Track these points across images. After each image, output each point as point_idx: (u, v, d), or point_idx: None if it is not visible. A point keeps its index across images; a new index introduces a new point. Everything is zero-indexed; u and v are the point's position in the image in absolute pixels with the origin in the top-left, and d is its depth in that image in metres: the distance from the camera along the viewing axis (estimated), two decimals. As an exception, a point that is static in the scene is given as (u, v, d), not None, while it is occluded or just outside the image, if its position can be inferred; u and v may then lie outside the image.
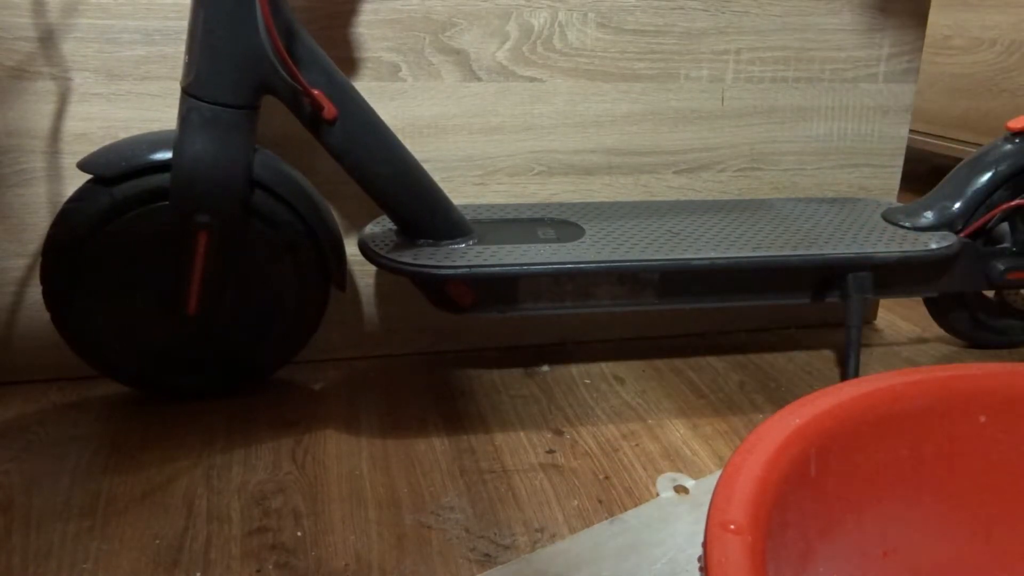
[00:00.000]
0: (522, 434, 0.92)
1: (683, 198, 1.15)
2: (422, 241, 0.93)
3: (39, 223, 0.95)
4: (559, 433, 0.92)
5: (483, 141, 1.05)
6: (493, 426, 0.94)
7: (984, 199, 1.05)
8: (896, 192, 1.23)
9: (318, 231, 0.91)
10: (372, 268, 1.06)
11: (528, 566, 0.70)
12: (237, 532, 0.75)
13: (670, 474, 0.81)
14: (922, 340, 1.20)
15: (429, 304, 0.98)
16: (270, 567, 0.71)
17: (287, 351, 0.98)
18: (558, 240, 0.95)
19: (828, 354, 1.15)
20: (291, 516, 0.77)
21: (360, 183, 0.90)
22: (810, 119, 1.16)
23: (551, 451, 0.89)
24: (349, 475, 0.84)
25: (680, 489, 0.79)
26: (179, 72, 0.83)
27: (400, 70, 1.00)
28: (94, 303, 0.89)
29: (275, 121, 0.92)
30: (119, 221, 0.86)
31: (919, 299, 1.31)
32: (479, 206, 1.05)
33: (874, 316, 1.29)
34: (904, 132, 1.20)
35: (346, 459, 0.87)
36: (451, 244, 0.93)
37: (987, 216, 1.05)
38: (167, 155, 0.84)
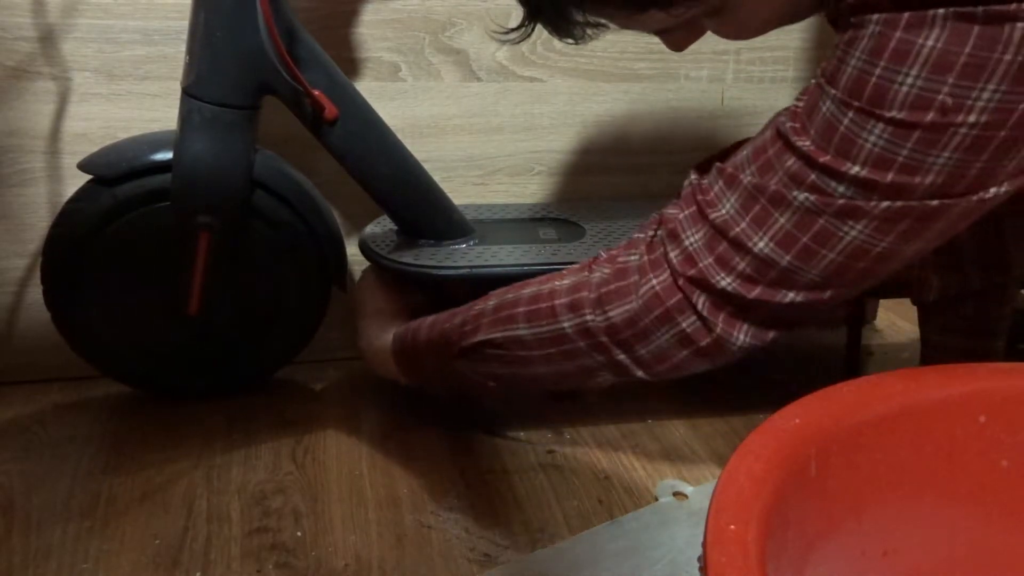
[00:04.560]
0: (522, 434, 0.92)
1: (683, 198, 1.15)
2: (423, 241, 0.93)
3: (39, 223, 0.95)
4: (559, 433, 0.92)
5: (483, 141, 1.05)
6: (493, 426, 0.93)
7: (984, 199, 1.05)
8: (896, 192, 1.22)
9: (319, 231, 0.91)
10: (372, 268, 1.06)
11: (528, 567, 0.70)
12: (237, 532, 0.75)
13: (670, 480, 0.81)
14: (922, 340, 1.20)
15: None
16: (270, 567, 0.71)
17: (288, 351, 0.98)
18: (559, 240, 0.95)
19: (828, 354, 1.14)
20: (291, 516, 0.77)
21: (361, 183, 0.90)
22: (810, 119, 1.15)
23: (551, 451, 0.89)
24: (349, 475, 0.84)
25: (680, 495, 0.79)
26: (179, 72, 0.83)
27: (400, 70, 1.00)
28: (94, 303, 0.89)
29: (276, 121, 0.92)
30: (120, 222, 0.86)
31: (919, 299, 1.30)
32: (479, 206, 1.05)
33: (874, 316, 1.29)
34: (904, 132, 1.19)
35: (346, 459, 0.87)
36: (452, 244, 0.93)
37: (987, 216, 1.04)
38: (168, 155, 0.84)
